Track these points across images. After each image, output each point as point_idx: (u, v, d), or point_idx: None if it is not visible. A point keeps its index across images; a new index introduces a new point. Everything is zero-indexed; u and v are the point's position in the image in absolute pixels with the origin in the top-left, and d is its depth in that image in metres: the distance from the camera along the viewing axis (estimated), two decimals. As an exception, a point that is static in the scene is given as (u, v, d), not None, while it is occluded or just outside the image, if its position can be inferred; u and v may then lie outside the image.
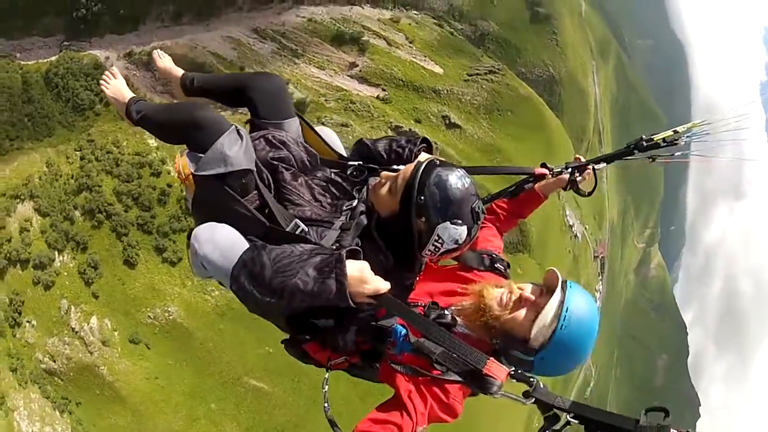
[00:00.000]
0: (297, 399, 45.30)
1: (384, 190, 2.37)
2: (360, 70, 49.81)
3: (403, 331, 2.15)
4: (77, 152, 45.95)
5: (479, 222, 2.28)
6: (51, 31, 47.88)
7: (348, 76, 49.16)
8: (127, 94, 3.21)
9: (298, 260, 2.07)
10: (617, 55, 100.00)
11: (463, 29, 58.23)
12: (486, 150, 49.93)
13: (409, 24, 54.90)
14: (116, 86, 3.29)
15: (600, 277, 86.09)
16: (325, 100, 49.86)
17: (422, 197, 2.20)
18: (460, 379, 1.96)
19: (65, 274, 42.72)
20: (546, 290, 2.22)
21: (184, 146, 2.65)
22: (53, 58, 47.25)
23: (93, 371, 41.70)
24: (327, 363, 2.42)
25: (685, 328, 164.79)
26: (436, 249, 2.26)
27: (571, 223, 64.16)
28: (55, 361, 41.25)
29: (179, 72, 3.46)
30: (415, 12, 55.79)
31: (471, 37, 58.56)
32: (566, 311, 2.10)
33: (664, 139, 3.09)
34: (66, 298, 42.06)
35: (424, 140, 2.81)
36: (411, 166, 2.31)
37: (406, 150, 2.75)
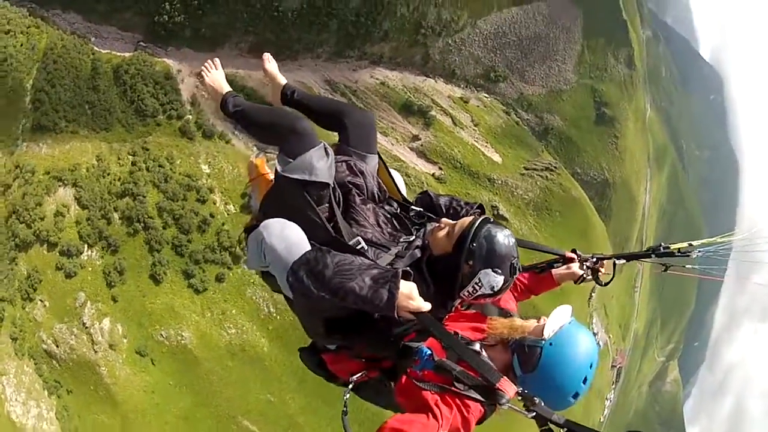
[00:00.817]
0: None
1: (442, 233, 2.72)
2: (421, 144, 50.26)
3: (428, 352, 2.44)
4: (130, 156, 46.76)
5: (514, 276, 2.60)
6: (130, 27, 48.54)
7: (409, 147, 49.65)
8: (225, 87, 3.48)
9: (357, 269, 2.36)
10: (672, 164, 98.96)
11: (529, 120, 58.66)
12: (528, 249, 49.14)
13: (477, 106, 55.50)
14: (216, 76, 3.53)
15: (613, 386, 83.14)
16: (381, 168, 50.31)
17: (474, 245, 2.55)
18: (478, 396, 2.24)
19: (90, 269, 43.36)
20: None
21: (256, 149, 3.06)
22: (127, 54, 48.26)
23: (93, 369, 41.97)
24: (348, 377, 2.71)
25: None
26: (474, 291, 2.58)
27: (595, 332, 62.38)
28: (57, 346, 41.63)
29: (282, 80, 3.69)
30: (485, 95, 56.48)
31: (535, 129, 58.92)
32: (572, 316, 2.58)
33: (679, 250, 3.35)
34: (84, 292, 42.63)
35: (480, 206, 3.18)
36: (469, 218, 2.67)
37: (463, 210, 3.14)
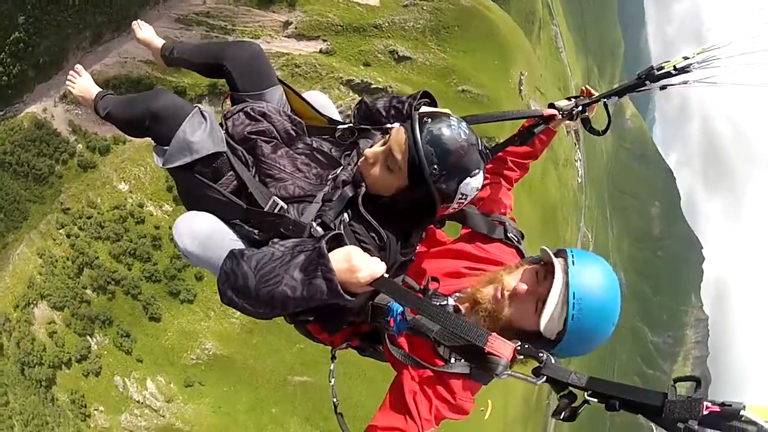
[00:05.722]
0: (339, 379, 47.59)
1: (377, 169, 2.18)
2: (295, 27, 46.76)
3: (400, 309, 2.02)
4: (60, 230, 44.77)
5: (489, 158, 2.20)
6: (-24, 104, 44.58)
7: (285, 37, 46.36)
8: (94, 90, 3.14)
9: (280, 264, 1.91)
10: None
11: (388, -54, 53.63)
12: (441, 74, 47.81)
13: (331, -44, 50.66)
14: (82, 84, 3.19)
15: (577, 147, 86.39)
16: (271, 72, 47.21)
17: (435, 167, 2.04)
18: (465, 371, 1.88)
19: (105, 353, 43.85)
20: (545, 272, 2.02)
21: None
22: (-9, 130, 44.17)
23: (171, 430, 43.21)
24: (332, 351, 2.46)
25: (672, 172, 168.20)
26: (460, 204, 2.18)
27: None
28: (136, 435, 42.73)
29: (159, 42, 3.30)
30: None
31: (398, -46, 53.99)
32: (574, 297, 1.88)
33: (675, 67, 2.82)
34: (117, 374, 43.54)
35: (425, 94, 2.61)
36: (400, 136, 2.09)
37: (406, 105, 2.57)
